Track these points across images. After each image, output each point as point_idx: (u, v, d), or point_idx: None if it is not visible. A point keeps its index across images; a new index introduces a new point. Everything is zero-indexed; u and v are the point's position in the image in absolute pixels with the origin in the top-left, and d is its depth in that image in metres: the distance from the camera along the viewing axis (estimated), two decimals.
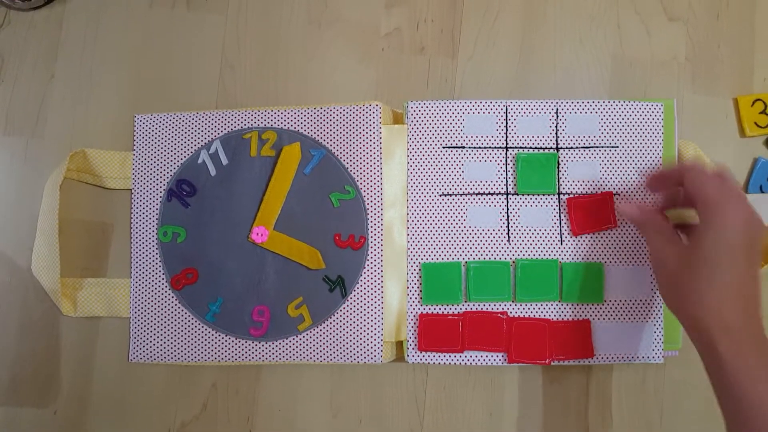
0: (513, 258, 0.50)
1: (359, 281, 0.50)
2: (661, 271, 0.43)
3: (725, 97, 0.53)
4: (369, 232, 0.50)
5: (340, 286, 0.50)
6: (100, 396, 0.52)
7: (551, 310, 0.50)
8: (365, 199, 0.51)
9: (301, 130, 0.52)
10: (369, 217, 0.50)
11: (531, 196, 0.50)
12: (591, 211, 0.50)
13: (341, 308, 0.50)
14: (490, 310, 0.50)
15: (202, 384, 0.52)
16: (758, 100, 0.52)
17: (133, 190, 0.52)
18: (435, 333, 0.49)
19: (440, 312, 0.50)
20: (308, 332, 0.50)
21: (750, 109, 0.52)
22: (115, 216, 0.53)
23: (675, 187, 0.45)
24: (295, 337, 0.50)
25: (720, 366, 0.38)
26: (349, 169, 0.51)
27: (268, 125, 0.52)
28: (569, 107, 0.51)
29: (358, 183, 0.51)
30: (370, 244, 0.50)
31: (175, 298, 0.51)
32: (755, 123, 0.52)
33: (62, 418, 0.51)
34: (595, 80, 0.54)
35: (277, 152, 0.51)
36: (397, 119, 0.53)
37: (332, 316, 0.50)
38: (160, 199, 0.52)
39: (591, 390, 0.51)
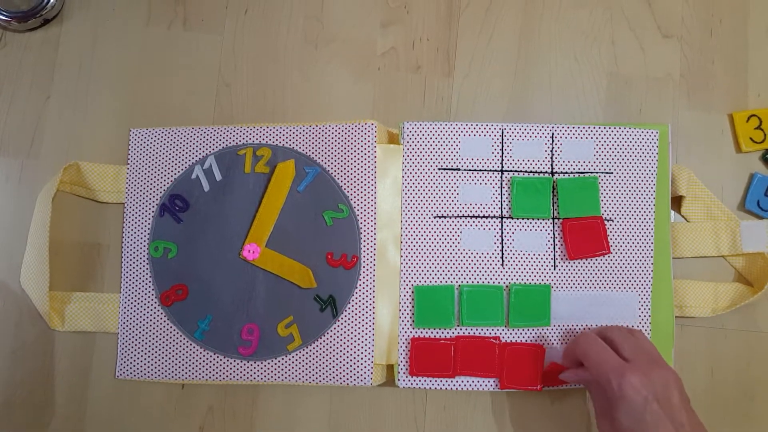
0: (507, 282, 0.49)
1: (351, 301, 0.49)
2: (597, 417, 0.43)
3: (720, 113, 0.53)
4: (362, 251, 0.50)
5: (331, 305, 0.49)
6: (95, 420, 0.51)
7: (543, 336, 0.49)
8: (359, 218, 0.50)
9: (295, 148, 0.52)
10: (362, 236, 0.50)
11: (525, 220, 0.50)
12: (585, 236, 0.49)
13: (332, 329, 0.49)
14: (482, 335, 0.49)
15: (199, 407, 0.51)
16: (753, 115, 0.52)
17: (125, 205, 0.52)
18: (427, 357, 0.48)
19: (432, 336, 0.49)
20: (298, 352, 0.49)
21: (745, 124, 0.52)
22: (106, 230, 0.53)
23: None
24: (284, 357, 0.49)
25: None
26: (343, 188, 0.51)
27: (263, 142, 0.52)
28: (565, 132, 0.51)
29: (352, 202, 0.50)
30: (363, 264, 0.50)
31: (164, 314, 0.50)
32: (750, 138, 0.52)
33: None
34: (591, 97, 0.54)
35: (271, 169, 0.51)
36: (393, 139, 0.53)
37: (322, 337, 0.49)
38: (152, 214, 0.51)
39: (593, 410, 0.49)
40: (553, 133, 0.51)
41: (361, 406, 0.51)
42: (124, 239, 0.51)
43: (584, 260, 0.49)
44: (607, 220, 0.50)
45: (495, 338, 0.49)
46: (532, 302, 0.49)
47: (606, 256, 0.49)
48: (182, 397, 0.51)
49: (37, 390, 0.51)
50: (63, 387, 0.51)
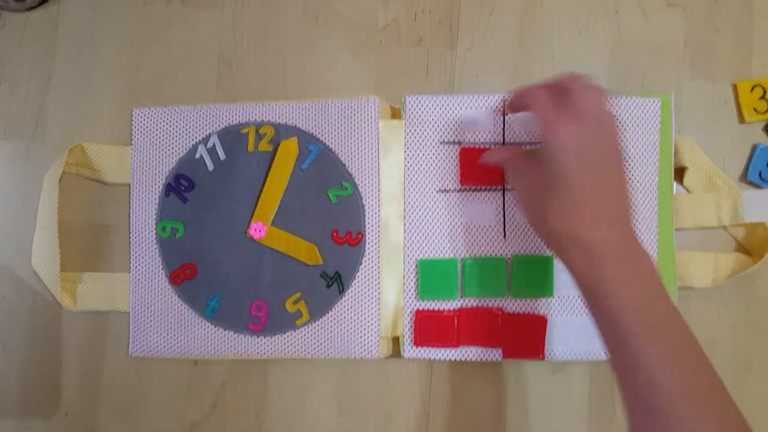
0: (509, 255, 0.50)
1: (356, 277, 0.50)
2: (521, 196, 0.45)
3: (724, 83, 0.53)
4: (366, 228, 0.50)
5: (337, 281, 0.50)
6: (109, 397, 0.52)
7: (546, 307, 0.50)
8: (363, 195, 0.51)
9: (298, 125, 0.52)
10: (366, 213, 0.50)
11: None
12: None
13: (338, 304, 0.50)
14: (485, 305, 0.49)
15: (211, 383, 0.52)
16: (757, 85, 0.51)
17: (131, 186, 0.52)
18: (430, 329, 0.49)
19: (436, 308, 0.50)
20: (306, 327, 0.50)
21: (749, 94, 0.51)
22: (114, 211, 0.53)
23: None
24: (293, 332, 0.50)
25: (578, 276, 0.38)
26: (346, 165, 0.51)
27: (266, 120, 0.52)
28: None
29: (356, 179, 0.51)
30: (368, 240, 0.50)
31: (174, 292, 0.51)
32: (754, 109, 0.51)
33: (73, 420, 0.52)
34: (594, 67, 0.53)
35: (274, 147, 0.51)
36: (395, 114, 0.52)
37: (329, 312, 0.50)
38: (158, 194, 0.52)
39: (594, 380, 0.51)
40: None
41: (369, 380, 0.52)
42: (131, 219, 0.52)
43: None
44: None
45: (498, 309, 0.50)
46: (534, 273, 0.50)
47: None
48: (195, 374, 0.52)
49: (51, 372, 0.52)
50: (77, 368, 0.52)
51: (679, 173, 0.52)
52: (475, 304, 0.50)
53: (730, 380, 0.50)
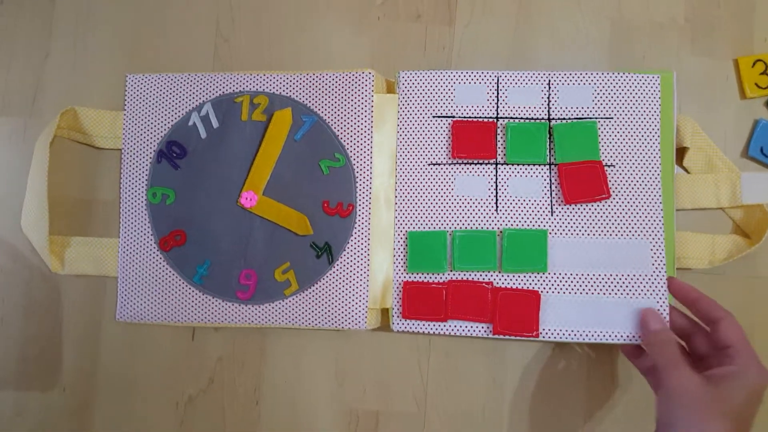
0: (500, 228, 0.49)
1: (346, 248, 0.50)
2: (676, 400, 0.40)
3: (725, 58, 0.52)
4: (357, 200, 0.50)
5: (327, 252, 0.50)
6: (107, 372, 0.52)
7: (541, 282, 0.49)
8: (355, 167, 0.50)
9: (293, 96, 0.51)
10: (358, 185, 0.50)
11: (520, 166, 0.50)
12: (583, 180, 0.48)
13: (328, 274, 0.50)
14: (475, 279, 0.49)
15: (208, 358, 0.52)
16: (759, 60, 0.51)
17: (123, 151, 0.52)
18: (419, 301, 0.49)
19: (425, 281, 0.49)
20: (294, 297, 0.50)
21: (750, 70, 0.51)
22: (105, 176, 0.53)
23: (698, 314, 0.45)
24: (281, 301, 0.50)
25: None
26: (339, 137, 0.51)
27: (260, 89, 0.52)
28: (562, 79, 0.50)
29: (348, 151, 0.50)
30: (358, 212, 0.50)
31: (163, 259, 0.51)
32: (756, 84, 0.51)
33: (71, 395, 0.52)
34: (594, 44, 0.52)
35: (268, 117, 0.51)
36: (390, 88, 0.52)
37: (318, 282, 0.50)
38: (149, 161, 0.52)
39: (593, 356, 0.51)
40: (549, 80, 0.50)
41: (365, 354, 0.52)
42: (122, 185, 0.52)
43: (584, 206, 0.49)
44: (608, 166, 0.49)
45: (488, 283, 0.49)
46: (526, 247, 0.49)
47: (608, 202, 0.49)
48: (192, 349, 0.52)
49: (49, 345, 0.52)
50: (74, 340, 0.52)
51: (679, 154, 0.51)
52: (464, 278, 0.49)
53: None
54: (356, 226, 0.50)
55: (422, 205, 0.50)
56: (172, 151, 0.52)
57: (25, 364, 0.52)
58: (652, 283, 0.47)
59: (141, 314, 0.51)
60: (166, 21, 0.54)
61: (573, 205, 0.49)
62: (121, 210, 0.52)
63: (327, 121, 0.51)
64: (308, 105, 0.51)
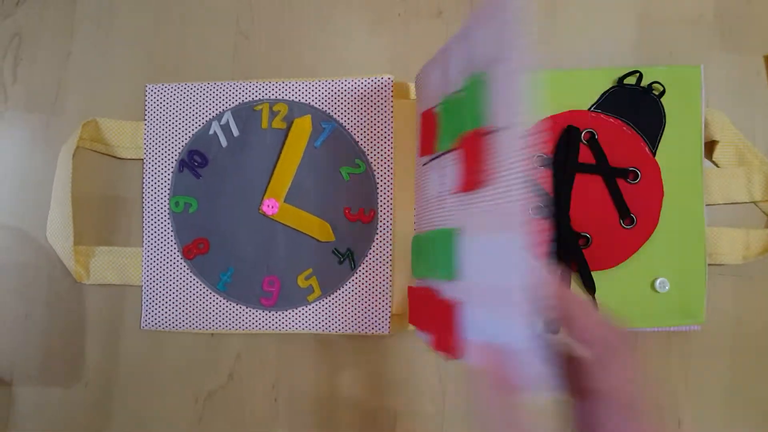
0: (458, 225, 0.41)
1: (368, 254, 0.50)
2: None
3: (755, 54, 0.51)
4: (379, 206, 0.50)
5: (349, 258, 0.50)
6: (128, 367, 0.53)
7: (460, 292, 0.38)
8: (375, 173, 0.51)
9: (312, 103, 0.52)
10: (379, 191, 0.50)
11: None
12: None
13: (350, 280, 0.50)
14: (424, 286, 0.43)
15: (227, 355, 0.52)
16: None
17: (144, 161, 0.52)
18: (418, 308, 0.46)
19: (425, 285, 0.45)
20: (317, 303, 0.50)
21: None
22: (128, 186, 0.53)
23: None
24: (304, 307, 0.50)
25: None
26: (359, 143, 0.51)
27: (280, 97, 0.52)
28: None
29: (369, 157, 0.51)
30: (380, 218, 0.50)
31: (187, 267, 0.51)
32: None
33: (93, 390, 0.53)
34: (621, 41, 0.52)
35: (288, 124, 0.51)
36: (402, 93, 0.52)
37: (341, 288, 0.50)
38: (171, 170, 0.52)
39: None
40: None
41: (384, 355, 0.52)
42: (144, 194, 0.52)
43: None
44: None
45: (436, 291, 0.40)
46: (436, 251, 0.41)
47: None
48: (211, 346, 0.52)
49: (72, 341, 0.53)
50: (96, 338, 0.53)
51: (708, 148, 0.50)
52: (420, 285, 0.45)
53: (759, 358, 0.49)
54: (378, 231, 0.50)
55: (422, 206, 0.47)
56: (194, 160, 0.52)
57: (48, 360, 0.53)
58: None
59: (166, 322, 0.51)
60: (186, 17, 0.54)
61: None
62: (143, 219, 0.52)
63: (346, 128, 0.51)
64: (327, 111, 0.51)
